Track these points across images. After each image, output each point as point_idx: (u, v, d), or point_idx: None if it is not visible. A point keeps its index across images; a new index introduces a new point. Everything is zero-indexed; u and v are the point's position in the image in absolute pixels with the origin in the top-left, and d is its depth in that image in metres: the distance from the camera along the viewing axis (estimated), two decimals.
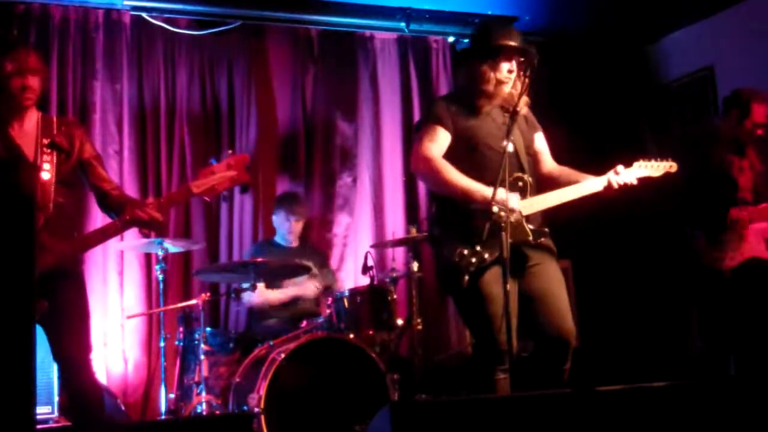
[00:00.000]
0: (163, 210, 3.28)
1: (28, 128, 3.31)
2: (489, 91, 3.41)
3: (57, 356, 3.24)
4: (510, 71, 3.41)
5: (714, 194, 4.48)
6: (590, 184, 3.45)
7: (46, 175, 3.22)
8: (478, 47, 3.50)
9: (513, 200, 3.22)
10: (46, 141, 3.27)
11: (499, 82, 3.41)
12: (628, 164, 3.55)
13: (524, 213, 3.30)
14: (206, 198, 3.37)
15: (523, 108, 3.46)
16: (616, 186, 3.44)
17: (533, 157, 3.58)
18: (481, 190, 3.25)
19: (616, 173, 3.45)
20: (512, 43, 3.41)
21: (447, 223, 3.42)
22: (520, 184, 3.33)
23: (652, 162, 3.59)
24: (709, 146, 4.62)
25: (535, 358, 3.39)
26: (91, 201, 4.80)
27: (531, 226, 3.31)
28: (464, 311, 3.49)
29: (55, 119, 3.39)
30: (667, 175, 3.63)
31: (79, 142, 3.35)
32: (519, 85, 3.39)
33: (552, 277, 3.41)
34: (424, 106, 5.98)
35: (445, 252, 3.31)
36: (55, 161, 3.26)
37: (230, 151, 3.60)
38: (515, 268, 3.24)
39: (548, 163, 3.65)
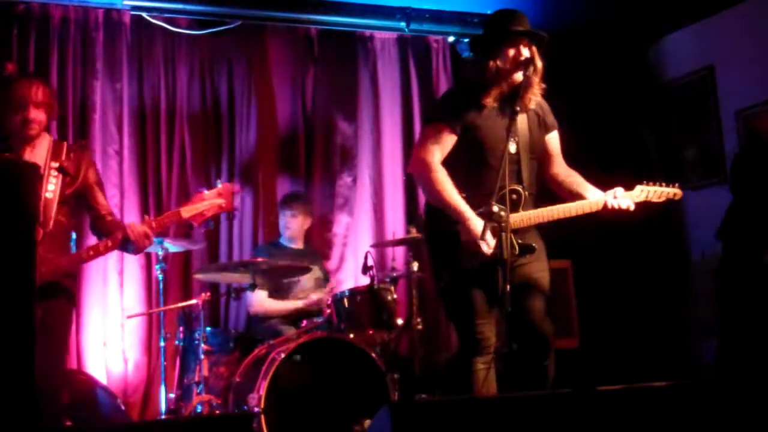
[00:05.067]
0: (153, 233, 3.49)
1: (39, 152, 3.52)
2: (501, 73, 3.37)
3: None
4: (520, 56, 3.36)
5: None
6: (586, 205, 3.44)
7: (50, 194, 3.46)
8: (489, 32, 3.49)
9: (486, 247, 3.18)
10: (54, 164, 3.50)
11: (511, 68, 3.36)
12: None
13: (515, 226, 3.27)
14: (194, 223, 3.59)
15: (531, 103, 3.44)
16: (610, 208, 3.42)
17: (541, 158, 3.55)
18: (469, 217, 3.26)
19: (614, 197, 3.43)
20: (522, 28, 3.40)
21: (434, 226, 3.45)
22: (514, 196, 3.30)
23: (656, 187, 3.53)
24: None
25: (517, 355, 3.43)
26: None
27: (519, 241, 3.30)
28: (447, 305, 3.57)
29: (65, 145, 3.62)
30: (669, 202, 3.57)
31: (85, 167, 3.59)
32: (527, 82, 3.35)
33: (534, 277, 3.42)
34: (426, 105, 5.98)
35: (430, 252, 3.50)
36: (60, 183, 3.49)
37: (219, 180, 3.77)
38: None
39: (557, 166, 3.61)
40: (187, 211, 3.54)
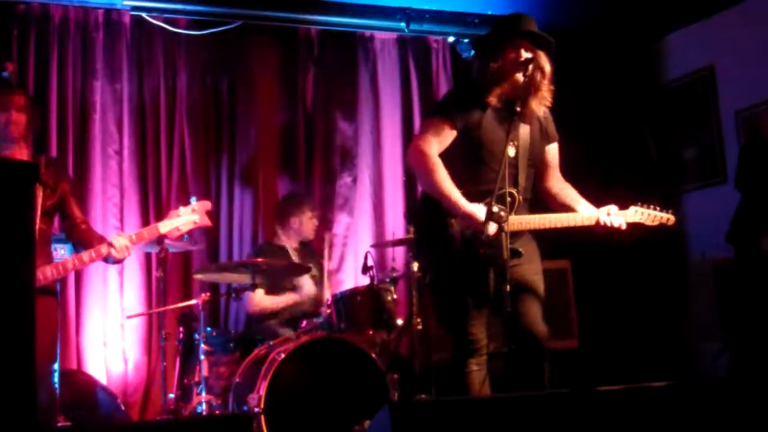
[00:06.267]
0: (132, 245, 3.69)
1: None
2: (501, 74, 3.36)
3: None
4: (520, 57, 3.35)
5: None
6: (578, 218, 3.44)
7: None
8: (492, 33, 3.49)
9: (492, 228, 3.15)
10: None
11: (511, 68, 3.36)
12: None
13: (506, 230, 3.24)
14: (171, 237, 3.86)
15: (540, 110, 3.43)
16: (602, 225, 3.42)
17: (538, 168, 3.55)
18: (466, 207, 3.24)
19: (608, 214, 3.43)
20: (529, 29, 3.39)
21: (427, 222, 3.44)
22: (509, 199, 3.27)
23: (650, 210, 3.53)
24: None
25: (513, 358, 3.43)
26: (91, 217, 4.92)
27: (510, 245, 3.25)
28: (436, 307, 3.59)
29: (43, 159, 3.76)
30: (662, 227, 3.55)
31: (63, 180, 3.73)
32: (530, 85, 3.35)
33: (528, 280, 3.41)
34: (426, 105, 5.99)
35: (422, 253, 3.51)
36: (40, 195, 3.61)
37: (194, 198, 4.02)
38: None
39: (552, 178, 3.60)
40: (164, 226, 3.77)
